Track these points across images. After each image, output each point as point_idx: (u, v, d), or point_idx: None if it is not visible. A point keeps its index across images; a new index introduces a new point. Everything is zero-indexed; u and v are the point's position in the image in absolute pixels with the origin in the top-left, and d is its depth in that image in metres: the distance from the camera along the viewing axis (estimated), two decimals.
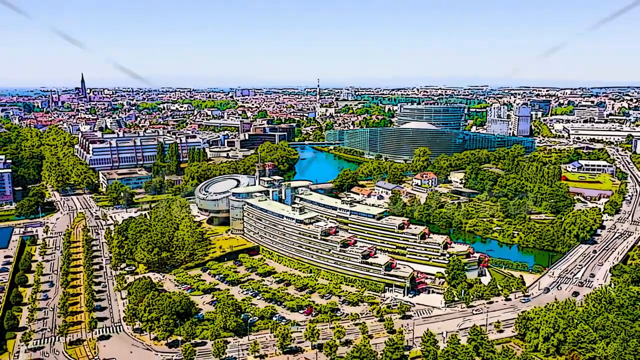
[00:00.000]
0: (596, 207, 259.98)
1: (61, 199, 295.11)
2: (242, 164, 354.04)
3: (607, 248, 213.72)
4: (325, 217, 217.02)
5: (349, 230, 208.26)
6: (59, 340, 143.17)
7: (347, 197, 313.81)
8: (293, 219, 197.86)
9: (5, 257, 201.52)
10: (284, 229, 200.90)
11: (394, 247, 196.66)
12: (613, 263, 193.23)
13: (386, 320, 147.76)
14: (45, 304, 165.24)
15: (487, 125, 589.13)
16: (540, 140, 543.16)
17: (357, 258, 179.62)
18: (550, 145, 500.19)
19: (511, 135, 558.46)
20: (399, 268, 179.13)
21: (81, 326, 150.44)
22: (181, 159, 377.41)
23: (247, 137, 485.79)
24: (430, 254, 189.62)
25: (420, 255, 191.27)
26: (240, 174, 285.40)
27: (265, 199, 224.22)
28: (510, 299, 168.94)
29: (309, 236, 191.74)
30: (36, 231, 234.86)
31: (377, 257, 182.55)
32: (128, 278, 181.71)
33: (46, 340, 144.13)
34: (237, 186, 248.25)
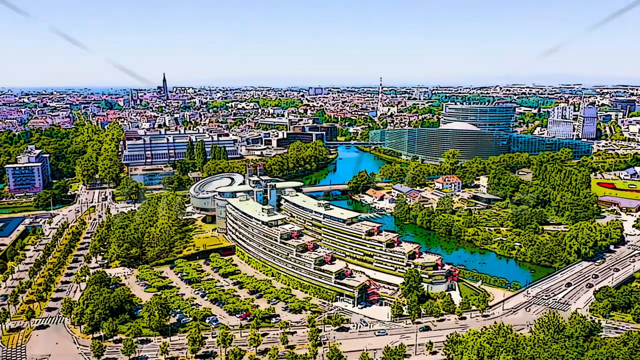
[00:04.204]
0: (623, 219, 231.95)
1: (86, 192, 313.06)
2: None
3: (610, 267, 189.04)
4: (302, 219, 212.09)
5: (322, 234, 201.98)
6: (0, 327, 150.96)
7: (360, 199, 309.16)
8: (259, 220, 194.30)
9: (0, 245, 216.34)
10: (252, 230, 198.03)
11: (362, 254, 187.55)
12: (607, 284, 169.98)
13: (310, 332, 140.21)
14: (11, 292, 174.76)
15: (549, 126, 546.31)
16: (607, 144, 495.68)
17: (310, 264, 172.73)
18: (614, 149, 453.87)
19: (576, 137, 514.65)
20: (353, 277, 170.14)
21: (28, 315, 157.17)
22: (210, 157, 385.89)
23: (284, 136, 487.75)
24: (395, 264, 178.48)
25: (386, 264, 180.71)
26: (236, 173, 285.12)
27: (248, 199, 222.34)
28: (464, 318, 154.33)
29: (271, 238, 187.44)
30: (44, 222, 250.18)
31: (333, 263, 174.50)
32: (95, 270, 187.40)
33: None
34: (230, 185, 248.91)
